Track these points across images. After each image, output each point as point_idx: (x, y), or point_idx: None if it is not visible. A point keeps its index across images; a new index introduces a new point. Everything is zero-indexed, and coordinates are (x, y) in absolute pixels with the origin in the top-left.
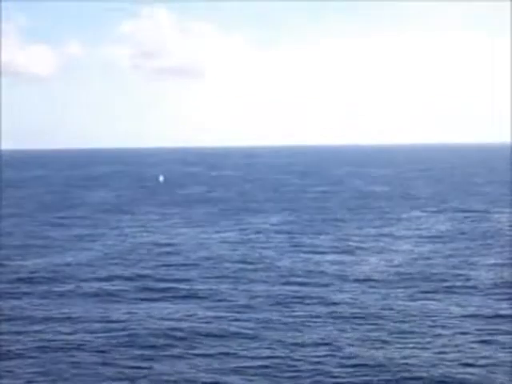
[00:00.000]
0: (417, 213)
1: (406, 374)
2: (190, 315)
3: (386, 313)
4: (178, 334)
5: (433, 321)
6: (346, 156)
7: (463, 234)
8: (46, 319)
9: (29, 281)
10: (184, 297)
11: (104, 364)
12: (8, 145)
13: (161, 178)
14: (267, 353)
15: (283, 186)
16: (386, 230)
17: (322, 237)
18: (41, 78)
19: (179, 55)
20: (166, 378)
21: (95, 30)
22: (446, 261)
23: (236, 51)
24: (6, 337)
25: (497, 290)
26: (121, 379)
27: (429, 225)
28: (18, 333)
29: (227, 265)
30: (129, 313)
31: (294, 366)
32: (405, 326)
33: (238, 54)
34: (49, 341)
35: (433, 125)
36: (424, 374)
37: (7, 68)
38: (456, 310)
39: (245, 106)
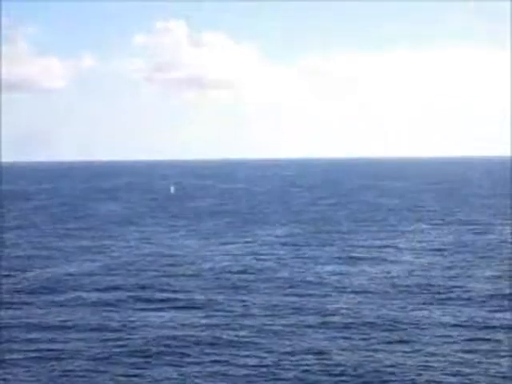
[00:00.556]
0: (421, 225)
1: (393, 382)
2: (186, 324)
3: (379, 322)
4: (172, 342)
5: (422, 330)
6: (357, 169)
7: (465, 246)
8: (43, 328)
9: (30, 291)
10: (181, 307)
11: (98, 372)
12: (19, 157)
13: (172, 190)
14: (257, 360)
15: (293, 199)
16: (388, 242)
17: (325, 248)
18: (53, 91)
19: (192, 67)
20: (164, 382)
21: (108, 43)
22: (443, 272)
23: (248, 62)
24: (2, 345)
25: (491, 302)
26: None
27: (432, 237)
28: (14, 341)
29: (228, 276)
30: (125, 322)
31: (283, 373)
32: (394, 335)
33: (251, 64)
34: (44, 349)
35: (437, 138)
36: (409, 382)
37: (19, 80)
38: (447, 320)
39: (258, 117)
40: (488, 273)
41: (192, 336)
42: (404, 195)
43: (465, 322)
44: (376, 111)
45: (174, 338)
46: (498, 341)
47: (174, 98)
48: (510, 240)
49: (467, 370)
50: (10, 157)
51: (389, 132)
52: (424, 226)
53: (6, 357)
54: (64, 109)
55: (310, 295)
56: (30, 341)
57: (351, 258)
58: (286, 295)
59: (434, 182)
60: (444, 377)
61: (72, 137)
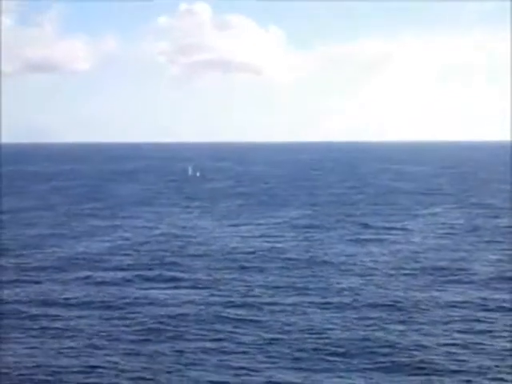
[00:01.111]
0: (434, 209)
1: (390, 357)
2: (188, 302)
3: (380, 302)
4: (173, 320)
5: (421, 310)
6: (376, 153)
7: (474, 229)
8: (49, 304)
9: (41, 268)
10: (186, 286)
11: (100, 348)
12: (42, 138)
13: (190, 172)
14: (255, 338)
15: (309, 182)
16: (399, 224)
17: (335, 230)
18: (77, 73)
19: (216, 49)
20: (162, 358)
21: (132, 25)
22: (450, 254)
23: (273, 46)
24: (8, 320)
25: (492, 284)
26: (117, 360)
27: (443, 220)
28: (20, 317)
29: (235, 256)
30: (130, 299)
31: (279, 350)
32: (393, 315)
33: (275, 48)
34: (47, 326)
35: (448, 122)
36: (405, 358)
37: (44, 62)
38: (446, 301)
39: (282, 101)
40: (493, 256)
41: (193, 314)
42: (419, 179)
43: (463, 302)
44: (396, 96)
45: (175, 315)
46: (493, 321)
47: (197, 81)
48: None
49: (459, 350)
50: (33, 138)
51: (407, 116)
52: (436, 210)
53: (11, 332)
54: (88, 90)
55: (315, 275)
56: (35, 316)
57: (360, 239)
58: (291, 275)
59: (450, 166)
60: (435, 356)
61: (95, 118)
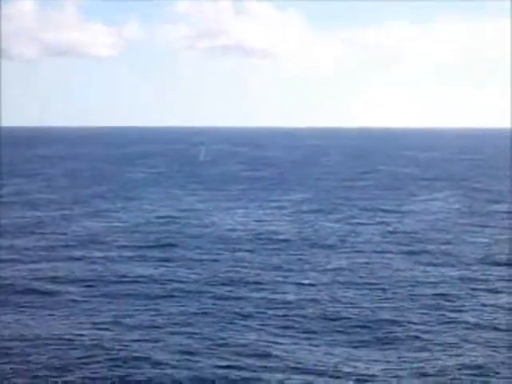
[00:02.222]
0: (437, 193)
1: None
2: (175, 277)
3: (361, 281)
4: (155, 291)
5: (401, 288)
6: (394, 139)
7: (471, 213)
8: (46, 281)
9: (39, 248)
10: (177, 264)
11: (83, 321)
12: (67, 122)
13: (201, 157)
14: (236, 310)
15: (318, 167)
16: (398, 208)
17: (334, 213)
18: (98, 58)
19: (235, 35)
20: (142, 330)
21: (152, 10)
22: (440, 236)
23: (292, 29)
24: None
25: (475, 265)
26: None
27: (442, 204)
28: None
29: (229, 237)
30: (119, 275)
31: (256, 322)
32: (374, 292)
33: (295, 33)
34: (41, 300)
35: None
36: (378, 333)
37: (67, 47)
38: (426, 279)
39: (302, 86)
40: (483, 239)
41: (178, 289)
42: (428, 165)
43: (442, 281)
44: (417, 82)
45: (158, 289)
46: (468, 299)
47: (217, 66)
48: None
49: (430, 325)
50: (52, 121)
51: (428, 103)
52: (438, 195)
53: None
54: (108, 75)
55: (303, 255)
56: (29, 291)
57: (356, 222)
58: (279, 255)
59: (461, 152)
60: (402, 330)
61: (114, 103)
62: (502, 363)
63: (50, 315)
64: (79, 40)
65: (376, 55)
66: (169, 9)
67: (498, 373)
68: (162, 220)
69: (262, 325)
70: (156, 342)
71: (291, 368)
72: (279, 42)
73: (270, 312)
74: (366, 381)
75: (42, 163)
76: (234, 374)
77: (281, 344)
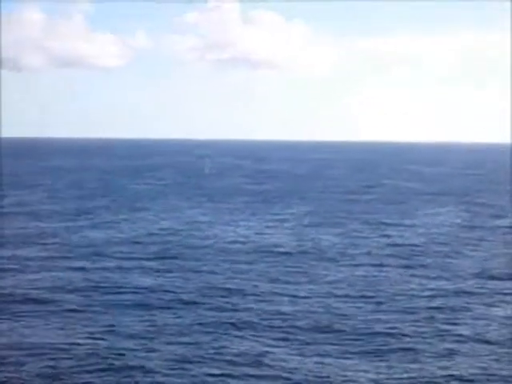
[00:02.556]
0: (439, 208)
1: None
2: (171, 287)
3: (355, 293)
4: (152, 299)
5: (393, 299)
6: (399, 153)
7: (472, 228)
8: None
9: (41, 258)
10: (174, 274)
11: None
12: (71, 133)
13: (206, 170)
14: (224, 318)
15: (324, 180)
16: (399, 222)
17: (334, 227)
18: (105, 68)
19: (243, 46)
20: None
21: (160, 21)
22: (437, 250)
23: (300, 41)
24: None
25: (470, 279)
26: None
27: (443, 218)
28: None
29: (229, 249)
30: (116, 284)
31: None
32: (368, 304)
33: (301, 42)
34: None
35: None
36: (368, 344)
37: (73, 58)
38: (420, 292)
39: (308, 97)
40: (481, 254)
41: (175, 299)
42: (432, 180)
43: (438, 294)
44: (420, 94)
45: (155, 299)
46: (462, 311)
47: (226, 77)
48: None
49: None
50: (62, 133)
51: (434, 116)
52: (440, 209)
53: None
54: (115, 86)
55: (299, 267)
56: (26, 300)
57: (355, 235)
58: (277, 267)
59: (467, 167)
60: (397, 340)
61: (122, 114)
62: (492, 375)
63: (46, 324)
64: (86, 50)
65: (383, 65)
66: (177, 19)
67: None
68: (163, 232)
69: (256, 335)
70: (150, 351)
71: (282, 378)
72: (285, 52)
73: (265, 323)
74: None
75: (46, 174)
76: (226, 382)
77: (274, 354)
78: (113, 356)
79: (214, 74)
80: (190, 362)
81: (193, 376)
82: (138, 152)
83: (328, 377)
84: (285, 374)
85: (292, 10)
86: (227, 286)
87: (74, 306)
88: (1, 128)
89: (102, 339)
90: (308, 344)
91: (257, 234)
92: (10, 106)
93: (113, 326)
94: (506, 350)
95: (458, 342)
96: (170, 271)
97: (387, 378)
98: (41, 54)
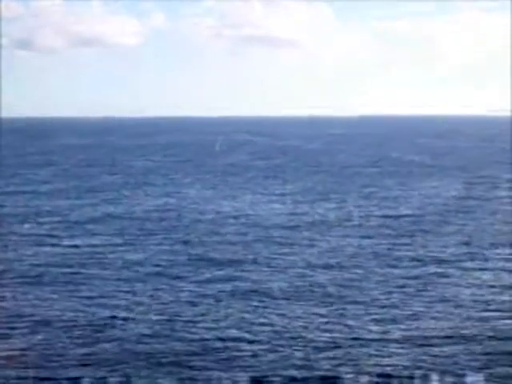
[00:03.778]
0: (437, 181)
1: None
2: (158, 259)
3: (323, 262)
4: (133, 273)
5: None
6: (418, 127)
7: (459, 199)
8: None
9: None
10: (161, 248)
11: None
12: (89, 112)
13: (217, 147)
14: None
15: (331, 156)
16: (394, 194)
17: (326, 201)
18: (125, 48)
19: (262, 25)
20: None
21: (179, 2)
22: (428, 218)
23: (320, 21)
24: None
25: (447, 259)
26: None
27: (439, 191)
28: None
29: (219, 223)
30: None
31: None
32: (334, 271)
33: (322, 24)
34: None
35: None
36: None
37: (94, 38)
38: (401, 259)
39: (327, 76)
40: (470, 223)
41: (160, 272)
42: (435, 152)
43: (414, 261)
44: (445, 70)
45: (136, 270)
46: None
47: (243, 56)
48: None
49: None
50: (77, 112)
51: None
52: (440, 182)
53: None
54: (135, 65)
55: (285, 237)
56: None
57: (346, 210)
58: (258, 242)
59: (487, 139)
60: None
61: (143, 93)
62: (457, 336)
63: (32, 297)
64: (105, 31)
65: (402, 47)
66: (196, 1)
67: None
68: (160, 208)
69: (233, 302)
70: (132, 319)
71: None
72: (307, 31)
73: (241, 290)
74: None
75: (57, 153)
76: (206, 344)
77: (250, 317)
78: (96, 326)
79: (231, 51)
80: (176, 328)
81: (179, 338)
82: (153, 130)
83: (293, 337)
84: (262, 333)
85: None
86: (212, 256)
87: (60, 280)
88: (15, 108)
89: (83, 311)
90: (279, 308)
91: (251, 208)
92: (26, 87)
93: (94, 297)
94: (474, 313)
95: (427, 306)
96: (160, 244)
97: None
98: (59, 36)
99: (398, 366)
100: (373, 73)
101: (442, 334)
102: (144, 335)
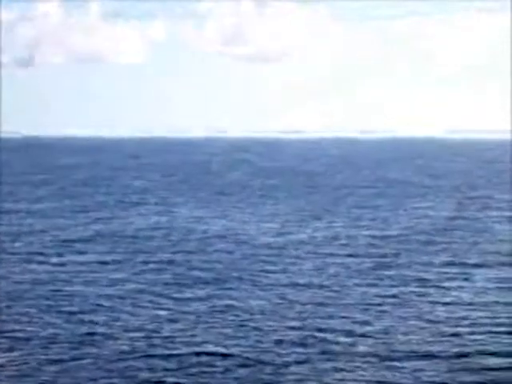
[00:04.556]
0: (428, 202)
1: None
2: (142, 280)
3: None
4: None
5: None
6: (418, 147)
7: (454, 218)
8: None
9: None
10: (149, 268)
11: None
12: (87, 131)
13: (215, 167)
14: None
15: (325, 177)
16: (383, 215)
17: (317, 221)
18: (124, 63)
19: (259, 39)
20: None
21: (177, 15)
22: (412, 237)
23: (316, 25)
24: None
25: (433, 269)
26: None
27: (428, 211)
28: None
29: (207, 242)
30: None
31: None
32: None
33: (319, 27)
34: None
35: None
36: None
37: (92, 53)
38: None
39: (328, 85)
40: (456, 242)
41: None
42: (444, 176)
43: (394, 281)
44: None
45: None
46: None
47: (242, 71)
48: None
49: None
50: (76, 131)
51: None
52: (431, 203)
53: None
54: (133, 82)
55: (267, 256)
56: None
57: (333, 230)
58: (246, 257)
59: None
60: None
61: (141, 110)
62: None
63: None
64: (103, 44)
65: (403, 51)
66: (194, 12)
67: None
68: (149, 227)
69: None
70: (110, 336)
71: None
72: (304, 41)
73: (218, 309)
74: None
75: (54, 172)
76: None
77: (228, 328)
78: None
79: (231, 67)
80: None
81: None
82: (153, 149)
83: (264, 351)
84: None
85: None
86: (197, 274)
87: (42, 296)
88: (8, 126)
89: (62, 327)
90: (255, 323)
91: (241, 227)
92: (23, 104)
93: (75, 313)
94: (445, 329)
95: (399, 322)
96: (146, 263)
97: None
98: (59, 51)
99: (360, 381)
100: (374, 80)
101: (409, 349)
102: (122, 352)
